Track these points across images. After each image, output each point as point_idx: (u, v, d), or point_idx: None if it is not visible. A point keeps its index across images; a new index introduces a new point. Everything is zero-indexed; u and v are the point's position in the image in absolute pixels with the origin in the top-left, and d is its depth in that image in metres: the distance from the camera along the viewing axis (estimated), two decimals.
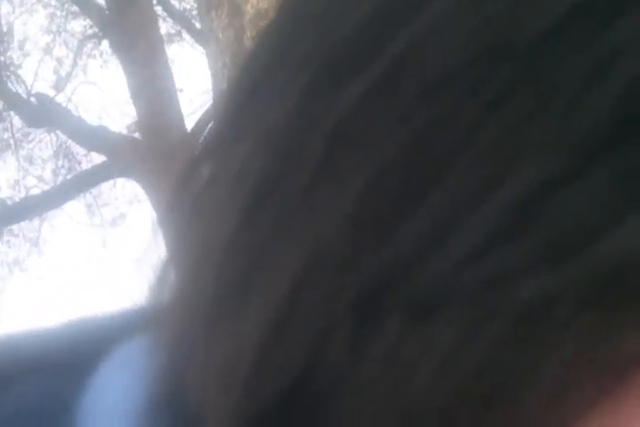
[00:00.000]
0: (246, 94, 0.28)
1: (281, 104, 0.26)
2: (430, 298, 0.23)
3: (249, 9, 2.64)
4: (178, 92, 5.71)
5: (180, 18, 6.81)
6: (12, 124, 7.34)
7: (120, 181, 6.75)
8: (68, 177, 7.25)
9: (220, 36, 2.73)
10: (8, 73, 7.00)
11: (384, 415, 0.24)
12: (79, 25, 7.43)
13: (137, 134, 6.07)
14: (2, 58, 7.14)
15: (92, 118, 7.56)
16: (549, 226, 0.22)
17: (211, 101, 6.17)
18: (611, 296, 0.21)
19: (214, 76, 2.87)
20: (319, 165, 0.25)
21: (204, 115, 6.09)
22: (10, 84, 6.89)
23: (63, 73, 7.48)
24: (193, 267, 0.28)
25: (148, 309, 0.32)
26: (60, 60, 7.56)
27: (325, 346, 0.24)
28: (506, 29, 0.23)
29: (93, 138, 6.05)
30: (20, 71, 7.29)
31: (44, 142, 7.52)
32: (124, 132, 6.43)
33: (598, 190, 0.22)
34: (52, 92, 7.21)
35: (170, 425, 0.29)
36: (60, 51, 7.68)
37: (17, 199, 7.33)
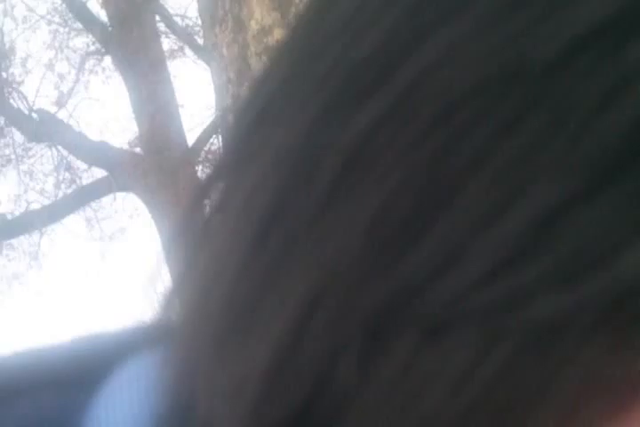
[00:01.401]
0: (258, 117, 0.28)
1: (293, 127, 0.26)
2: (442, 318, 0.23)
3: (253, 25, 2.66)
4: (179, 108, 5.76)
5: (183, 34, 6.85)
6: (13, 140, 7.38)
7: (120, 195, 6.78)
8: (69, 191, 7.28)
9: (224, 51, 2.73)
10: (10, 89, 7.05)
11: None
12: (82, 41, 7.48)
13: (138, 149, 6.11)
14: (4, 74, 7.19)
15: (93, 134, 7.61)
16: (561, 247, 0.22)
17: (212, 117, 6.22)
18: (624, 316, 0.22)
19: (218, 91, 2.90)
20: (330, 189, 0.25)
21: (205, 131, 6.13)
22: (12, 100, 6.93)
23: (65, 89, 7.53)
24: (204, 287, 0.28)
25: (154, 326, 0.33)
26: (61, 76, 7.60)
27: (334, 368, 0.24)
28: (518, 53, 0.23)
29: (94, 153, 6.09)
30: (22, 87, 7.33)
31: (45, 157, 7.55)
32: (126, 147, 6.48)
33: (609, 212, 0.22)
34: (53, 108, 7.25)
35: None
36: (62, 67, 7.74)
37: (17, 214, 7.36)
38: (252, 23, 2.67)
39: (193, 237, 0.30)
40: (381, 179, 0.24)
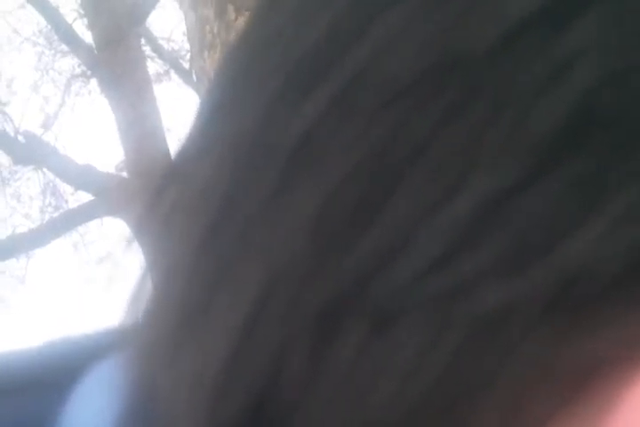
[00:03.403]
0: (212, 111, 0.28)
1: (246, 116, 0.26)
2: (391, 308, 0.23)
3: None
4: (166, 132, 5.71)
5: (169, 57, 6.82)
6: None
7: (107, 219, 6.72)
8: (55, 215, 7.23)
9: (213, 76, 2.72)
10: None
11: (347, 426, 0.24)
12: (67, 64, 7.44)
13: (124, 173, 6.06)
14: None
15: (79, 157, 7.56)
16: (506, 234, 0.22)
17: None
18: (568, 304, 0.22)
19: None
20: (280, 178, 0.25)
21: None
22: None
23: (51, 111, 7.49)
24: (161, 285, 0.28)
25: (123, 328, 0.33)
26: (47, 99, 7.56)
27: (287, 358, 0.24)
28: (458, 40, 0.23)
29: (80, 176, 6.04)
30: (7, 109, 7.28)
31: (31, 180, 7.51)
32: (112, 171, 6.42)
33: (552, 199, 0.22)
34: (39, 131, 7.19)
35: None
36: (47, 89, 7.70)
37: (3, 237, 7.29)
38: None
39: (152, 236, 0.29)
40: (327, 169, 0.24)
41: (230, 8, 2.70)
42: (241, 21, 2.66)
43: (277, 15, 0.27)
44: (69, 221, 6.72)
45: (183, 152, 0.29)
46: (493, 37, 0.23)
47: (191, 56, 3.09)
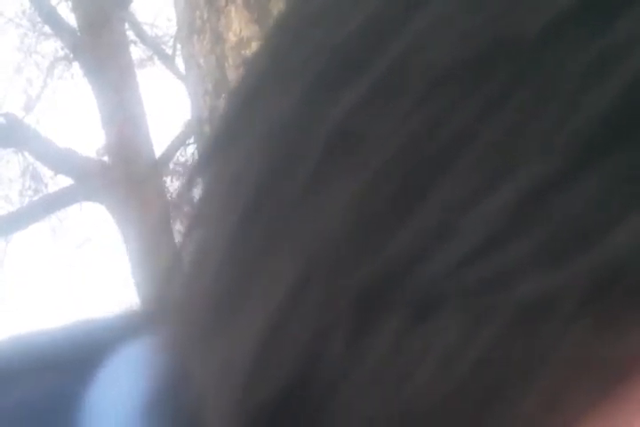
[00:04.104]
0: (246, 100, 0.28)
1: (279, 109, 0.26)
2: (430, 297, 0.23)
3: (231, 37, 2.64)
4: (147, 117, 5.68)
5: (152, 43, 6.78)
6: None
7: (86, 204, 6.69)
8: (35, 199, 7.19)
9: (202, 62, 2.72)
10: None
11: (383, 415, 0.23)
12: (50, 46, 7.39)
13: (105, 158, 6.03)
14: None
15: (60, 141, 7.53)
16: (549, 226, 0.22)
17: (181, 128, 6.15)
18: (611, 296, 0.21)
19: (194, 102, 2.85)
20: (318, 165, 0.24)
21: (173, 142, 6.07)
22: None
23: (33, 94, 7.44)
24: (193, 271, 0.28)
25: (148, 313, 0.33)
26: (30, 81, 7.51)
27: (323, 347, 0.24)
28: (504, 28, 0.23)
29: (61, 160, 6.01)
30: None
31: (11, 163, 7.46)
32: (93, 155, 6.39)
33: (598, 190, 0.21)
34: (21, 113, 7.15)
35: (171, 423, 0.29)
36: (30, 71, 7.65)
37: None
38: (231, 35, 2.65)
39: (183, 225, 0.27)
40: (367, 158, 0.24)
41: None
42: (231, 8, 2.66)
43: (315, 2, 0.27)
44: (49, 205, 6.69)
45: (218, 137, 0.29)
46: (541, 25, 0.22)
47: (180, 41, 3.08)
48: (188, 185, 0.30)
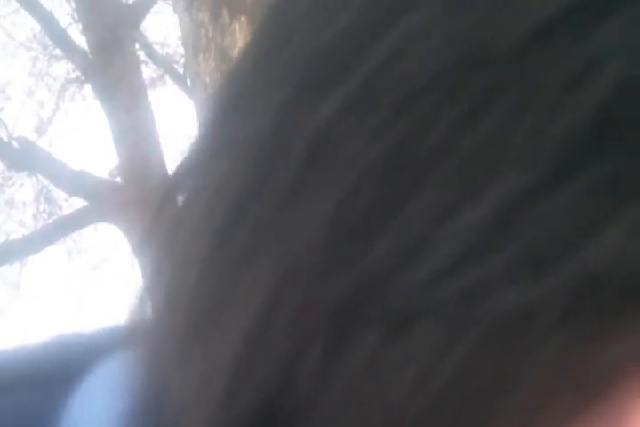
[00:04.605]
0: (225, 111, 0.28)
1: (259, 119, 0.26)
2: (407, 310, 0.22)
3: (236, 54, 2.64)
4: (160, 137, 5.68)
5: (163, 62, 6.80)
6: None
7: (101, 226, 6.69)
8: (49, 222, 7.20)
9: (207, 80, 2.71)
10: None
11: None
12: (62, 69, 7.42)
13: (118, 179, 6.03)
14: None
15: (73, 163, 7.54)
16: (527, 236, 0.21)
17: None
18: (590, 307, 0.21)
19: (201, 120, 2.85)
20: (295, 179, 0.24)
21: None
22: None
23: (45, 117, 7.46)
24: (171, 285, 0.28)
25: (129, 327, 0.32)
26: (42, 104, 7.54)
27: (299, 361, 0.24)
28: (482, 38, 0.22)
29: (74, 182, 6.02)
30: (1, 114, 7.25)
31: (25, 186, 7.48)
32: (106, 176, 6.39)
33: (575, 201, 0.21)
34: (33, 136, 7.16)
35: None
36: (42, 94, 7.67)
37: None
38: (236, 52, 2.64)
39: (163, 236, 0.29)
40: (346, 166, 0.23)
41: (225, 12, 2.70)
42: (236, 26, 2.65)
43: (293, 13, 0.26)
44: (63, 227, 6.69)
45: (196, 151, 0.29)
46: (520, 34, 0.22)
47: (186, 60, 3.08)
48: (168, 196, 0.29)
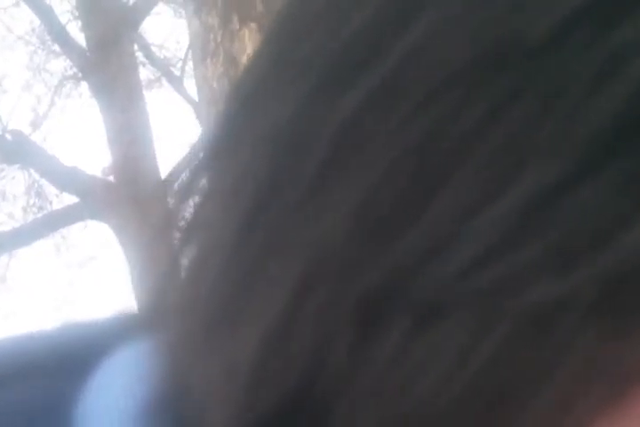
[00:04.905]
0: (246, 101, 0.27)
1: (281, 109, 0.25)
2: (436, 303, 0.22)
3: (245, 60, 2.65)
4: (154, 138, 5.69)
5: (161, 64, 6.80)
6: None
7: (91, 223, 6.68)
8: (39, 216, 7.19)
9: (215, 84, 2.73)
10: None
11: (388, 423, 0.23)
12: (59, 65, 7.41)
13: (111, 178, 6.03)
14: None
15: (66, 159, 7.54)
16: (556, 231, 0.21)
17: (187, 150, 6.15)
18: (619, 302, 0.21)
19: (205, 124, 2.87)
20: (320, 171, 0.24)
21: (179, 163, 6.08)
22: None
23: (40, 111, 7.45)
24: (194, 275, 0.28)
25: (144, 315, 0.32)
26: (38, 98, 7.53)
27: (326, 354, 0.24)
28: (509, 31, 0.22)
29: (66, 178, 6.01)
30: None
31: (16, 179, 7.47)
32: (98, 174, 6.39)
33: (602, 195, 0.21)
34: (28, 130, 7.16)
35: None
36: (38, 89, 7.67)
37: None
38: (244, 58, 2.65)
39: (181, 228, 0.29)
40: (371, 161, 0.23)
41: (235, 18, 2.71)
42: (245, 32, 2.67)
43: (310, 8, 0.26)
44: (53, 222, 6.69)
45: (215, 144, 0.28)
46: (548, 27, 0.22)
47: (193, 64, 3.10)
48: (188, 189, 0.29)
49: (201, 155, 0.29)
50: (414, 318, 0.23)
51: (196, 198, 0.29)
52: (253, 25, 2.67)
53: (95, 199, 5.74)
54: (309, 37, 0.26)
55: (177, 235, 0.29)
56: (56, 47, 6.86)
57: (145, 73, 6.90)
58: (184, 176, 0.29)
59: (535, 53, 0.22)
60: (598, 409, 0.22)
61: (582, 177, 0.21)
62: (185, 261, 0.28)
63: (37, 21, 6.84)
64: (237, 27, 2.69)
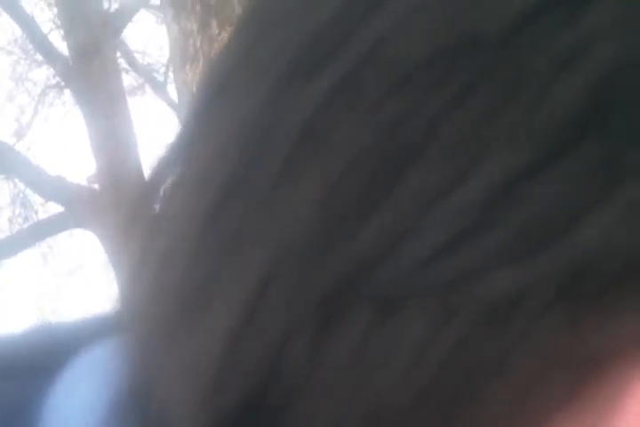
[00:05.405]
0: (216, 91, 0.27)
1: (250, 100, 0.26)
2: (397, 293, 0.22)
3: None
4: (138, 145, 5.68)
5: (143, 71, 6.80)
6: None
7: (77, 231, 6.67)
8: (24, 226, 7.17)
9: (195, 89, 2.73)
10: None
11: (349, 417, 0.23)
12: (42, 74, 7.40)
13: (96, 186, 6.02)
14: None
15: (51, 168, 7.52)
16: (516, 219, 0.21)
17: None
18: (580, 290, 0.21)
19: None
20: (285, 162, 0.24)
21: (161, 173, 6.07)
22: None
23: (24, 121, 7.44)
24: (158, 272, 0.28)
25: (112, 317, 0.32)
26: (21, 108, 7.51)
27: (289, 345, 0.23)
28: (470, 25, 0.23)
29: (51, 187, 5.99)
30: None
31: (1, 190, 7.45)
32: (83, 183, 6.38)
33: (566, 183, 0.21)
34: (12, 140, 7.14)
35: None
36: (21, 99, 7.65)
37: None
38: None
39: (147, 223, 0.29)
40: (334, 152, 0.23)
41: (214, 22, 2.71)
42: (224, 36, 2.67)
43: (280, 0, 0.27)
44: (39, 232, 6.66)
45: (183, 136, 0.28)
46: (509, 18, 0.22)
47: (173, 69, 3.09)
48: (155, 182, 0.29)
49: (172, 145, 0.29)
50: (374, 311, 0.23)
51: (166, 189, 0.29)
52: (232, 29, 2.67)
53: (81, 208, 5.73)
54: (278, 29, 0.26)
55: (142, 229, 0.29)
56: (38, 56, 6.85)
57: (128, 79, 6.91)
58: (154, 167, 0.29)
59: (497, 44, 0.22)
60: (563, 398, 0.22)
61: (546, 165, 0.21)
62: (150, 257, 0.28)
63: (19, 31, 6.83)
64: (216, 31, 2.69)
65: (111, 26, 5.67)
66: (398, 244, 0.22)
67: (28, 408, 0.30)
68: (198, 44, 2.73)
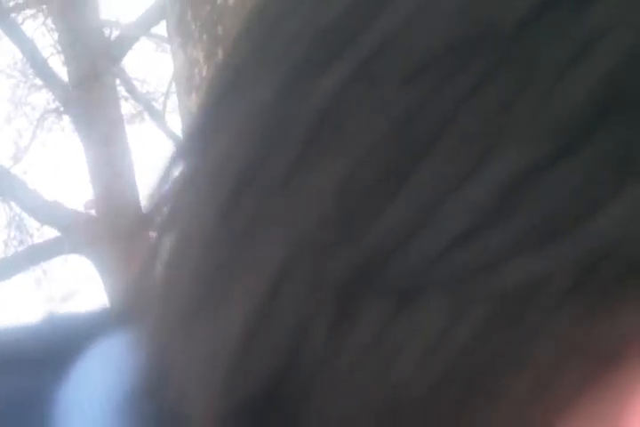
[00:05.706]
0: (227, 84, 0.27)
1: (263, 92, 0.25)
2: (414, 284, 0.22)
3: None
4: (136, 173, 5.69)
5: (142, 99, 6.81)
6: None
7: (72, 257, 6.66)
8: (19, 249, 7.16)
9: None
10: None
11: (366, 407, 0.23)
12: (41, 98, 7.41)
13: (92, 212, 6.02)
14: None
15: (47, 192, 7.52)
16: (533, 210, 0.21)
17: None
18: (596, 282, 0.21)
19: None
20: (301, 152, 0.24)
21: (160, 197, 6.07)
22: None
23: (22, 145, 7.45)
24: (174, 262, 0.28)
25: (125, 308, 0.32)
26: (19, 132, 7.52)
27: (306, 337, 0.23)
28: (485, 16, 0.23)
29: (47, 212, 6.00)
30: None
31: None
32: (80, 208, 6.38)
33: (580, 174, 0.21)
34: (9, 164, 7.15)
35: (148, 420, 0.28)
36: (20, 122, 7.66)
37: None
38: None
39: (161, 216, 0.29)
40: (349, 142, 0.23)
41: (220, 52, 2.72)
42: None
43: None
44: (33, 256, 6.65)
45: (197, 126, 0.28)
46: (523, 10, 0.22)
47: (178, 97, 3.10)
48: (165, 178, 0.29)
49: (179, 145, 0.29)
50: (392, 301, 0.23)
51: (175, 187, 0.29)
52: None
53: (77, 233, 5.72)
54: (287, 25, 0.26)
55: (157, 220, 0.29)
56: (38, 81, 6.87)
57: (127, 107, 6.92)
58: (160, 175, 0.29)
59: (511, 35, 0.22)
60: (579, 387, 0.22)
61: (560, 156, 0.21)
62: (164, 252, 0.28)
63: (19, 55, 6.85)
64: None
65: (111, 53, 5.69)
66: (414, 233, 0.22)
67: (42, 400, 0.30)
68: (204, 73, 2.74)
